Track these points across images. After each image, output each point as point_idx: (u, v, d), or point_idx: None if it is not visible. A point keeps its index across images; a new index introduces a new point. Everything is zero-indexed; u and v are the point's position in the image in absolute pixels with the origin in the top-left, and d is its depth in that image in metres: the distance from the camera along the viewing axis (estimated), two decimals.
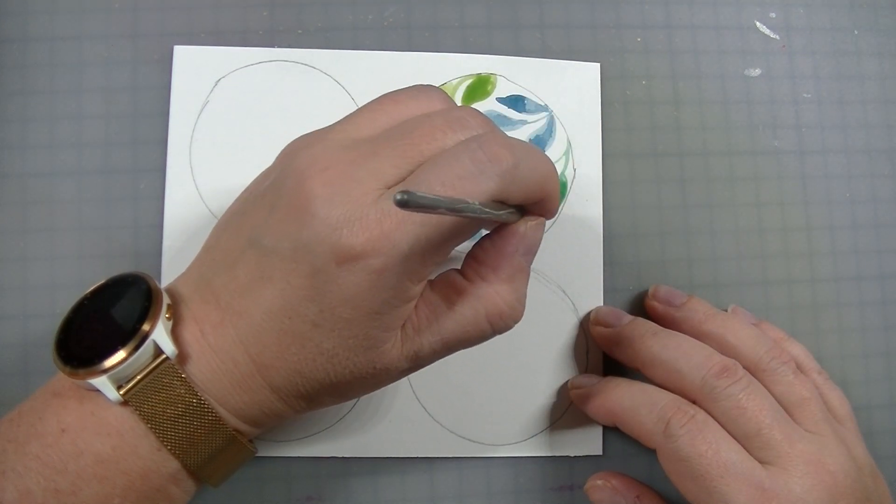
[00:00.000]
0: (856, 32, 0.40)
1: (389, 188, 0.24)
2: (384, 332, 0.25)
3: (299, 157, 0.26)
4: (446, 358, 0.35)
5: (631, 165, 0.37)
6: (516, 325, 0.36)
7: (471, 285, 0.27)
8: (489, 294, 0.26)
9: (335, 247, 0.23)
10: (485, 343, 0.36)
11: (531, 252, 0.27)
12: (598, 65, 0.38)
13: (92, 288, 0.27)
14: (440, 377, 0.36)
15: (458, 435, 0.35)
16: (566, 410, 0.36)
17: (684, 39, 0.38)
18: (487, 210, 0.23)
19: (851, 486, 0.29)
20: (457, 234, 0.25)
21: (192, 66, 0.36)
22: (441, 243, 0.24)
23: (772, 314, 0.37)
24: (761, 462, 0.29)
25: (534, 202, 0.27)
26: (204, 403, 0.25)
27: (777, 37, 0.39)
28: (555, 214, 0.29)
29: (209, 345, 0.26)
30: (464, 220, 0.24)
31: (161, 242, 0.35)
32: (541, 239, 0.28)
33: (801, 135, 0.39)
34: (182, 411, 0.25)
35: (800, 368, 0.33)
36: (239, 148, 0.35)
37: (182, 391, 0.25)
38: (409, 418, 0.35)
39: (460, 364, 0.36)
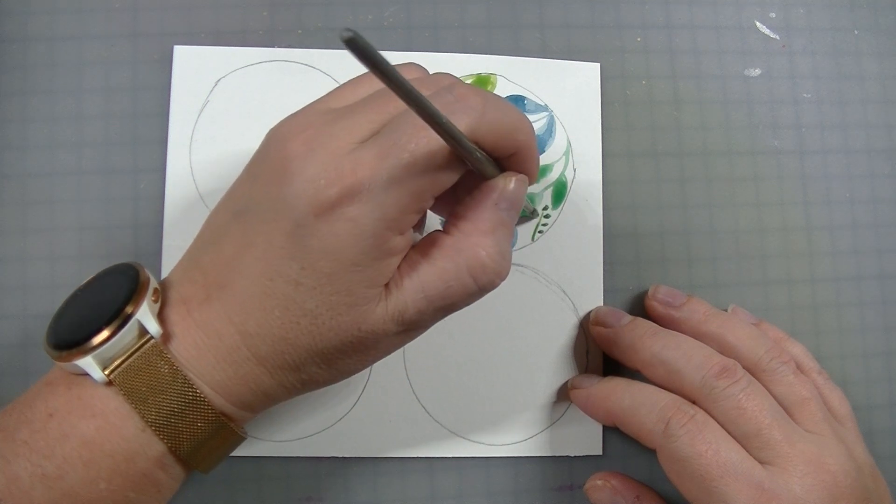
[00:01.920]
0: (856, 32, 0.40)
1: (364, 142, 0.25)
2: (367, 289, 0.25)
3: (281, 127, 0.26)
4: (446, 357, 0.35)
5: (631, 165, 0.37)
6: (516, 326, 0.36)
7: (451, 239, 0.26)
8: (469, 245, 0.26)
9: (312, 199, 0.24)
10: (485, 343, 0.36)
11: (514, 207, 0.27)
12: (598, 65, 0.38)
13: (86, 280, 0.27)
14: (440, 377, 0.36)
15: (458, 435, 0.35)
16: (566, 410, 0.36)
17: (684, 39, 0.38)
18: (438, 112, 0.22)
19: (851, 486, 0.29)
20: (432, 175, 0.24)
21: (192, 66, 0.36)
22: (417, 187, 0.24)
23: (772, 314, 0.37)
24: (761, 462, 0.29)
25: (509, 153, 0.26)
26: (186, 380, 0.25)
27: (777, 37, 0.39)
28: (536, 174, 0.28)
29: (194, 321, 0.26)
30: (438, 159, 0.24)
31: (161, 242, 0.35)
32: (524, 195, 0.27)
33: (801, 135, 0.39)
34: (164, 388, 0.25)
35: (800, 368, 0.33)
36: (239, 148, 0.35)
37: (165, 369, 0.25)
38: (409, 418, 0.35)
39: (460, 364, 0.36)
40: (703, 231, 0.38)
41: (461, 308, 0.27)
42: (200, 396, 0.25)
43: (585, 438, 0.36)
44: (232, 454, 0.34)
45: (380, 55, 0.19)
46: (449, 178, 0.25)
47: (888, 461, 0.37)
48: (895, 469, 0.37)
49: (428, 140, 0.24)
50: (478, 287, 0.26)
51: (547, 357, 0.36)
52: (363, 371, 0.35)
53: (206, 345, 0.26)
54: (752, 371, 0.32)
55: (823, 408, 0.32)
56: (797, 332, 0.37)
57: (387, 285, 0.26)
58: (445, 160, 0.24)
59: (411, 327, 0.27)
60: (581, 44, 0.38)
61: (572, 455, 0.36)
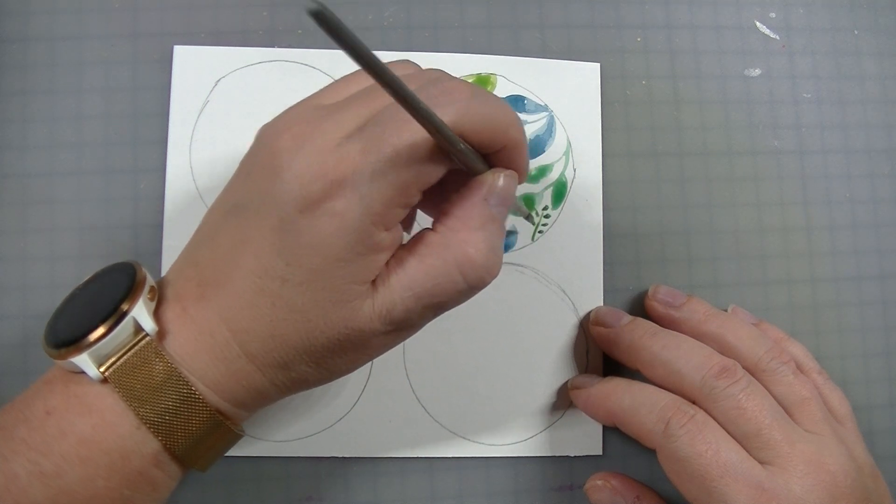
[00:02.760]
0: (856, 32, 0.40)
1: (350, 137, 0.25)
2: (353, 285, 0.25)
3: (272, 123, 0.27)
4: (446, 357, 0.35)
5: (631, 165, 0.37)
6: (516, 326, 0.36)
7: (439, 235, 0.26)
8: (457, 242, 0.26)
9: (297, 195, 0.24)
10: (485, 343, 0.36)
11: (503, 203, 0.26)
12: (598, 65, 0.38)
13: (84, 279, 0.28)
14: (440, 377, 0.36)
15: (458, 435, 0.35)
16: (566, 410, 0.36)
17: (684, 39, 0.38)
18: (414, 95, 0.21)
19: (851, 486, 0.29)
20: (416, 168, 0.24)
21: (192, 66, 0.36)
22: (401, 180, 0.24)
23: (772, 314, 0.37)
24: (761, 462, 0.29)
25: (497, 148, 0.26)
26: (180, 377, 0.25)
27: (777, 37, 0.39)
28: (526, 171, 0.28)
29: (189, 319, 0.26)
30: (422, 152, 0.24)
31: (161, 242, 0.35)
32: (513, 192, 0.27)
33: (801, 135, 0.39)
34: (158, 385, 0.25)
35: (800, 368, 0.33)
36: (239, 148, 0.35)
37: (160, 367, 0.25)
38: (409, 418, 0.35)
39: (460, 364, 0.36)
40: (703, 231, 0.38)
41: (451, 307, 0.27)
42: (195, 394, 0.25)
43: (585, 438, 0.36)
44: (232, 454, 0.34)
45: (348, 29, 0.18)
46: (434, 172, 0.25)
47: (888, 461, 0.37)
48: (895, 469, 0.37)
49: (411, 133, 0.24)
50: (467, 284, 0.26)
51: (547, 357, 0.36)
52: (363, 371, 0.35)
53: (199, 342, 0.26)
54: (752, 371, 0.32)
55: (823, 408, 0.32)
56: (797, 332, 0.37)
57: (374, 283, 0.26)
58: (429, 153, 0.24)
59: (400, 326, 0.26)
60: (581, 44, 0.38)
61: (572, 455, 0.36)
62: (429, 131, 0.23)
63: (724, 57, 0.39)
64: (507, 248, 0.36)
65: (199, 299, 0.26)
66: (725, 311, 0.36)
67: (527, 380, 0.36)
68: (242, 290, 0.25)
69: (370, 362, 0.35)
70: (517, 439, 0.36)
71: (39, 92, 0.35)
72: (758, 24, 0.39)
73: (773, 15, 0.39)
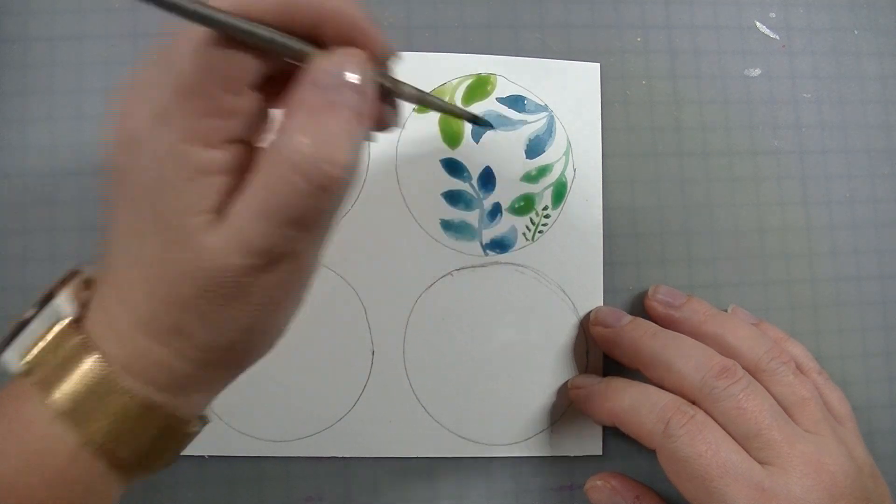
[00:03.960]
0: (856, 32, 0.40)
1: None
2: (189, 217, 0.22)
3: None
4: (446, 357, 0.35)
5: (631, 165, 0.37)
6: (516, 326, 0.36)
7: (272, 141, 0.23)
8: (286, 139, 0.22)
9: (113, 144, 0.23)
10: (485, 343, 0.36)
11: (344, 86, 0.22)
12: (598, 65, 0.38)
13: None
14: (440, 377, 0.36)
15: (458, 435, 0.35)
16: (566, 410, 0.36)
17: (684, 39, 0.38)
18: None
19: (851, 486, 0.29)
20: (198, 65, 0.22)
21: None
22: (185, 84, 0.22)
23: (772, 314, 0.37)
24: (761, 462, 0.29)
25: (316, 25, 0.22)
26: (92, 356, 0.23)
27: (777, 37, 0.39)
28: (383, 46, 0.23)
29: (100, 302, 0.24)
30: (198, 46, 0.22)
31: None
32: (358, 69, 0.22)
33: (801, 135, 0.39)
34: (69, 368, 0.23)
35: (800, 368, 0.33)
36: None
37: (71, 350, 0.23)
38: (409, 418, 0.35)
39: (460, 364, 0.36)
40: (703, 231, 0.38)
41: (314, 220, 0.23)
42: (103, 370, 0.23)
43: (585, 438, 0.36)
44: (232, 454, 0.34)
45: None
46: (232, 65, 0.22)
47: (888, 461, 0.37)
48: (895, 469, 0.37)
49: (185, 34, 0.22)
50: (308, 183, 0.21)
51: (547, 357, 0.36)
52: (363, 371, 0.35)
53: (104, 322, 0.24)
54: (752, 371, 0.32)
55: (823, 408, 0.32)
56: (797, 332, 0.37)
57: (218, 214, 0.23)
58: (207, 44, 0.22)
59: (268, 257, 0.23)
60: (581, 44, 0.38)
61: (572, 455, 0.36)
62: (201, 23, 0.21)
63: (724, 57, 0.39)
64: (507, 247, 0.36)
65: (103, 283, 0.25)
66: (725, 311, 0.36)
67: (527, 380, 0.36)
68: (118, 257, 0.24)
69: (370, 361, 0.35)
70: (517, 439, 0.36)
71: (39, 92, 0.35)
72: (758, 24, 0.39)
73: (773, 15, 0.39)
